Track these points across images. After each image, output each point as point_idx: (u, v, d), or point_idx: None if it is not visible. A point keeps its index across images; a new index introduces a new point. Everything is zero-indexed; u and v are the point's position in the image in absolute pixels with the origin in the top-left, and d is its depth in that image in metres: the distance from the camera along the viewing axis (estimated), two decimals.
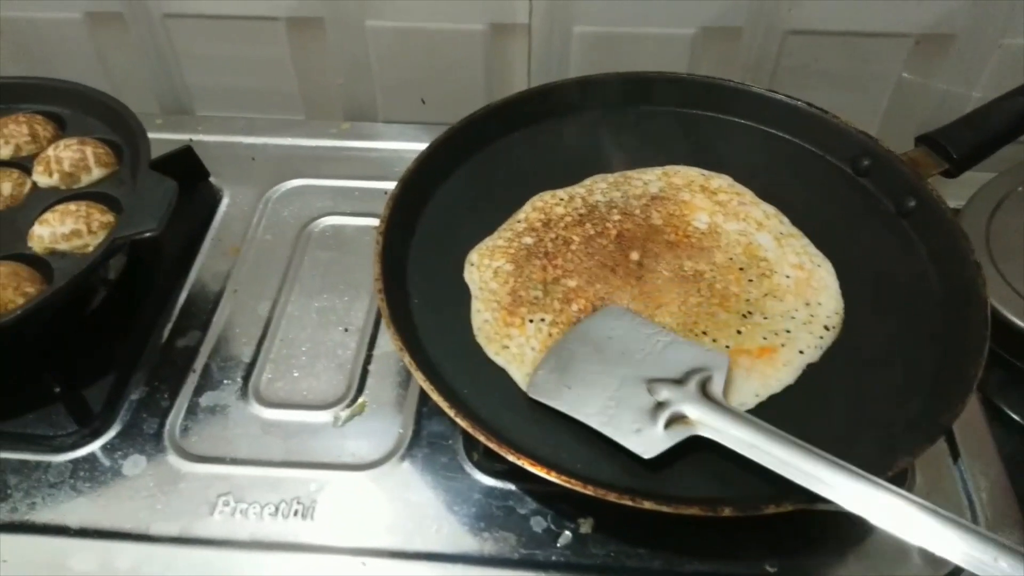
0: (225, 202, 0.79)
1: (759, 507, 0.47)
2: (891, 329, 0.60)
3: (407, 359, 0.54)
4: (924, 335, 0.58)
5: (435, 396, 0.52)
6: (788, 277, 0.62)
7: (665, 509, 0.47)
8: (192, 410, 0.62)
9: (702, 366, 0.54)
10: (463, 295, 0.62)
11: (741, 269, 0.63)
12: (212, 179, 0.80)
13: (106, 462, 0.60)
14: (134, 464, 0.60)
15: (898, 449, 0.50)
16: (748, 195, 0.68)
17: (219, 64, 0.92)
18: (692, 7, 0.82)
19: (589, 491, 0.48)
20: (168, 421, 0.62)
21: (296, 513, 0.56)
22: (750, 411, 0.55)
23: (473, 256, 0.65)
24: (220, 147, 0.84)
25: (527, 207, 0.68)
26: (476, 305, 0.61)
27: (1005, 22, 0.80)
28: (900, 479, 0.57)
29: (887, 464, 0.49)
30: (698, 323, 0.59)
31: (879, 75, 0.86)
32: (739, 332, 0.59)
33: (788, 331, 0.59)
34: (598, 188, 0.69)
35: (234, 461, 0.59)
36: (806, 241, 0.65)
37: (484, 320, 0.60)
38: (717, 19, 0.83)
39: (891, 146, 0.68)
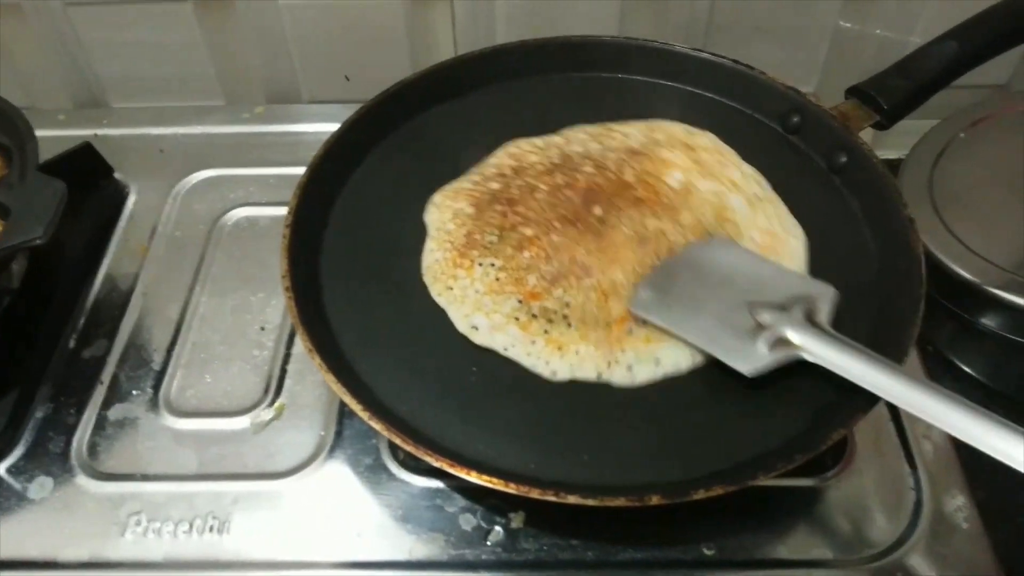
0: (132, 199, 0.75)
1: (688, 493, 0.45)
2: None
3: (318, 361, 0.51)
4: (860, 296, 0.56)
5: (348, 400, 0.49)
6: (753, 240, 0.60)
7: (591, 502, 0.45)
8: (100, 425, 0.59)
9: (807, 294, 0.53)
10: (386, 280, 0.59)
11: (707, 231, 0.61)
12: (117, 175, 0.76)
13: (11, 486, 0.56)
14: (40, 486, 0.56)
15: (833, 420, 0.48)
16: (730, 155, 0.66)
17: (129, 52, 0.87)
18: None
19: (512, 489, 0.46)
20: (75, 438, 0.59)
21: (211, 529, 0.53)
22: (680, 377, 0.53)
23: (436, 197, 0.63)
24: (127, 140, 0.80)
25: (500, 152, 0.66)
26: (430, 244, 0.61)
27: None
28: (839, 448, 0.55)
29: (820, 438, 0.47)
30: None
31: (815, 26, 0.84)
32: None
33: None
34: (576, 138, 0.67)
35: (145, 477, 0.56)
36: (783, 209, 0.62)
37: (435, 259, 0.60)
38: None
39: (831, 98, 0.66)
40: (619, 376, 0.53)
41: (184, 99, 0.89)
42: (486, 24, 0.83)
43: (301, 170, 0.62)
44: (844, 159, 0.63)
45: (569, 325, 0.55)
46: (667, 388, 0.53)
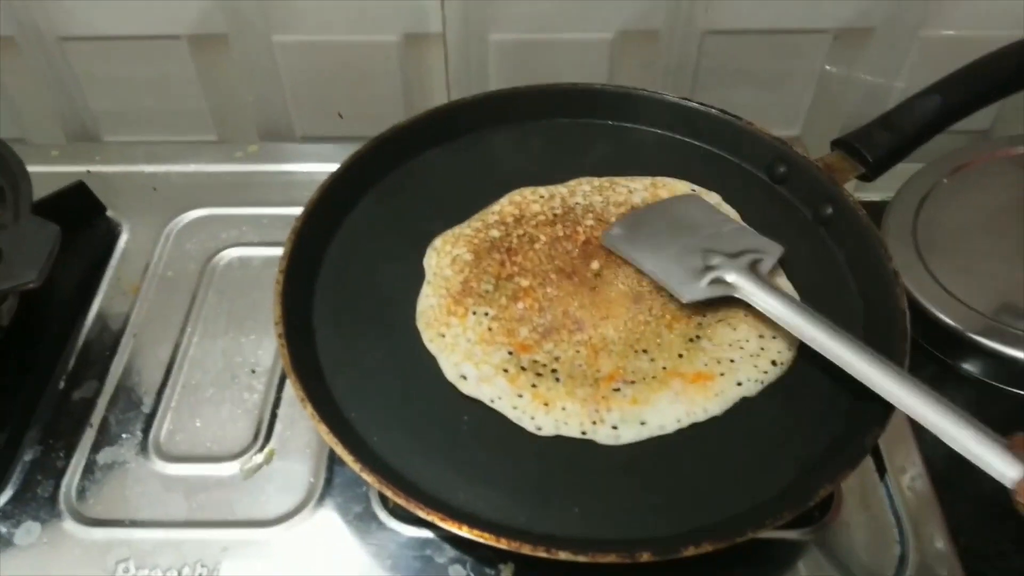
0: (124, 238, 0.74)
1: (678, 549, 0.46)
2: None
3: (310, 410, 0.51)
4: None
5: (340, 450, 0.49)
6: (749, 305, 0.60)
7: (581, 559, 0.45)
8: (89, 469, 0.59)
9: (757, 249, 0.60)
10: (379, 325, 0.59)
11: None
12: (110, 213, 0.76)
13: None
14: (27, 532, 0.56)
15: (821, 476, 0.49)
16: (734, 216, 0.66)
17: (123, 87, 0.88)
18: (608, 10, 0.80)
19: (503, 544, 0.46)
20: (64, 482, 0.58)
21: None
22: (666, 436, 0.53)
23: (437, 241, 0.63)
24: (119, 177, 0.79)
25: (504, 200, 0.67)
26: (426, 290, 0.60)
27: (922, 14, 0.80)
28: (826, 501, 0.56)
29: (808, 494, 0.47)
30: (640, 341, 0.57)
31: (801, 71, 0.86)
32: (680, 356, 0.57)
33: (732, 361, 0.56)
34: (581, 190, 0.68)
35: (133, 523, 0.56)
36: (779, 272, 0.62)
37: (429, 304, 0.59)
38: (634, 22, 0.81)
39: (819, 141, 0.67)
40: (603, 435, 0.53)
41: (177, 134, 0.90)
42: (478, 64, 0.84)
43: (294, 210, 0.62)
44: (830, 210, 0.63)
45: (557, 380, 0.55)
46: (655, 446, 0.53)
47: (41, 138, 0.92)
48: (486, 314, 0.59)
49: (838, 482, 0.49)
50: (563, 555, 0.45)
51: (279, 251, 0.60)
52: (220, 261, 0.72)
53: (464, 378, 0.56)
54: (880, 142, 0.64)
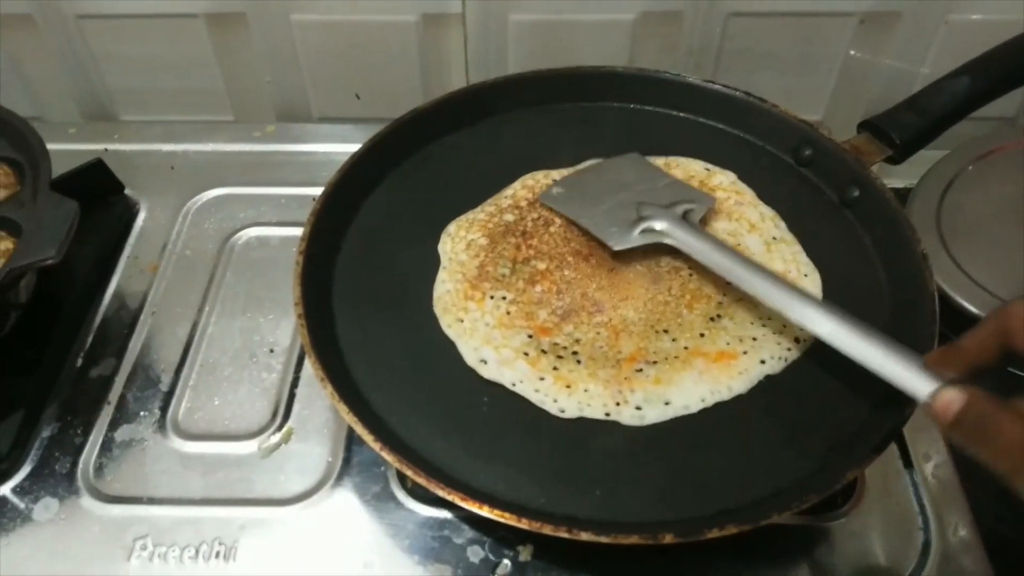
0: (142, 216, 0.74)
1: (701, 531, 0.45)
2: None
3: (329, 390, 0.51)
4: None
5: (360, 430, 0.49)
6: None
7: (603, 540, 0.45)
8: (107, 446, 0.59)
9: (689, 199, 0.62)
10: (398, 309, 0.59)
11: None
12: (128, 191, 0.75)
13: (16, 507, 0.56)
14: (45, 508, 0.56)
15: (847, 460, 0.48)
16: (748, 195, 0.65)
17: (140, 65, 0.87)
18: None
19: (524, 524, 0.46)
20: (82, 459, 0.58)
21: (218, 555, 0.53)
22: (690, 416, 0.53)
23: (451, 227, 0.63)
24: (137, 156, 0.79)
25: (517, 184, 0.66)
26: (442, 275, 0.60)
27: None
28: (849, 487, 0.55)
29: (833, 478, 0.47)
30: (661, 320, 0.57)
31: (825, 55, 0.85)
32: (702, 335, 0.56)
33: (754, 339, 0.56)
34: None
35: (151, 501, 0.56)
36: (798, 248, 0.62)
37: (446, 290, 0.59)
38: (656, 3, 0.80)
39: (841, 126, 0.66)
40: (628, 416, 0.52)
41: (194, 114, 0.89)
42: (497, 47, 0.83)
43: (312, 190, 0.63)
44: (856, 193, 0.62)
45: (578, 362, 0.55)
46: (679, 426, 0.52)
47: (58, 117, 0.91)
48: (504, 298, 0.58)
49: (864, 466, 0.48)
50: (584, 536, 0.45)
51: (297, 231, 0.60)
52: (238, 240, 0.72)
53: (484, 362, 0.55)
54: (908, 124, 0.63)
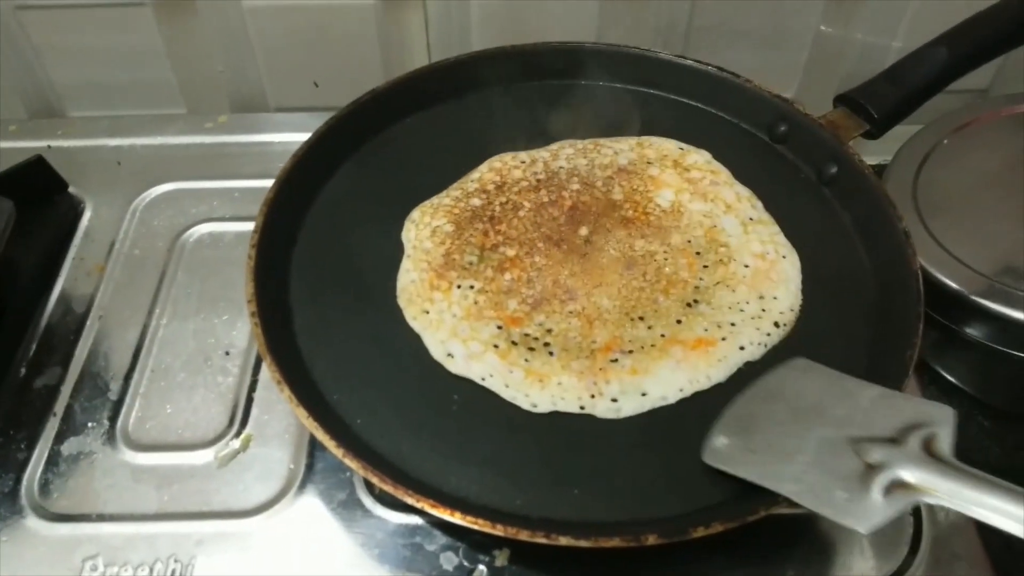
0: (88, 215, 0.71)
1: (686, 531, 0.43)
2: (820, 309, 0.56)
3: (287, 393, 0.48)
4: (854, 314, 0.55)
5: (320, 435, 0.46)
6: (747, 267, 0.57)
7: (584, 544, 0.43)
8: (53, 460, 0.56)
9: (921, 421, 0.44)
10: (360, 302, 0.56)
11: (697, 253, 0.58)
12: (72, 189, 0.72)
13: None
14: None
15: None
16: (724, 174, 0.63)
17: (86, 58, 0.84)
18: None
19: (499, 531, 0.43)
20: (25, 476, 0.55)
21: (174, 573, 0.50)
22: (669, 408, 0.51)
23: (415, 213, 0.61)
24: (82, 152, 0.76)
25: (483, 167, 0.64)
26: (406, 264, 0.58)
27: None
28: None
29: None
30: (636, 308, 0.55)
31: (796, 30, 0.83)
32: (679, 322, 0.54)
33: (733, 324, 0.54)
34: (564, 153, 0.65)
35: (101, 518, 0.53)
36: (776, 229, 0.60)
37: (410, 280, 0.57)
38: None
39: (814, 103, 0.64)
40: (603, 408, 0.50)
41: (144, 107, 0.86)
42: (460, 27, 0.81)
43: (267, 183, 0.60)
44: (834, 170, 0.61)
45: (551, 353, 0.52)
46: (658, 419, 0.51)
47: (3, 115, 0.87)
48: (472, 287, 0.56)
49: None
50: (564, 540, 0.43)
51: (252, 226, 0.57)
52: (190, 238, 0.69)
53: (451, 356, 0.53)
54: (886, 96, 0.61)
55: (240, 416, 0.57)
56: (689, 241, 0.59)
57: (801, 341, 0.54)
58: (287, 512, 0.53)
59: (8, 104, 0.86)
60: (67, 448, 0.56)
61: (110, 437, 0.57)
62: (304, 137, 0.63)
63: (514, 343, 0.53)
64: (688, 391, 0.51)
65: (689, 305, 0.55)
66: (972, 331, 0.64)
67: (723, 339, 0.53)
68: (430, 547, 0.51)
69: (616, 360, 0.52)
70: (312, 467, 0.55)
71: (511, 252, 0.58)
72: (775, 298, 0.56)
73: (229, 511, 0.53)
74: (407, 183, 0.63)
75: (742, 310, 0.55)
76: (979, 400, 0.61)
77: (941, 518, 0.52)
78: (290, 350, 0.53)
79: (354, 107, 0.65)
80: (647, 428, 0.50)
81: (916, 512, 0.52)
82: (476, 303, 0.55)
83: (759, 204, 0.61)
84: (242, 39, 0.81)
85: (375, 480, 0.45)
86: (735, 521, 0.43)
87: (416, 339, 0.54)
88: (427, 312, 0.55)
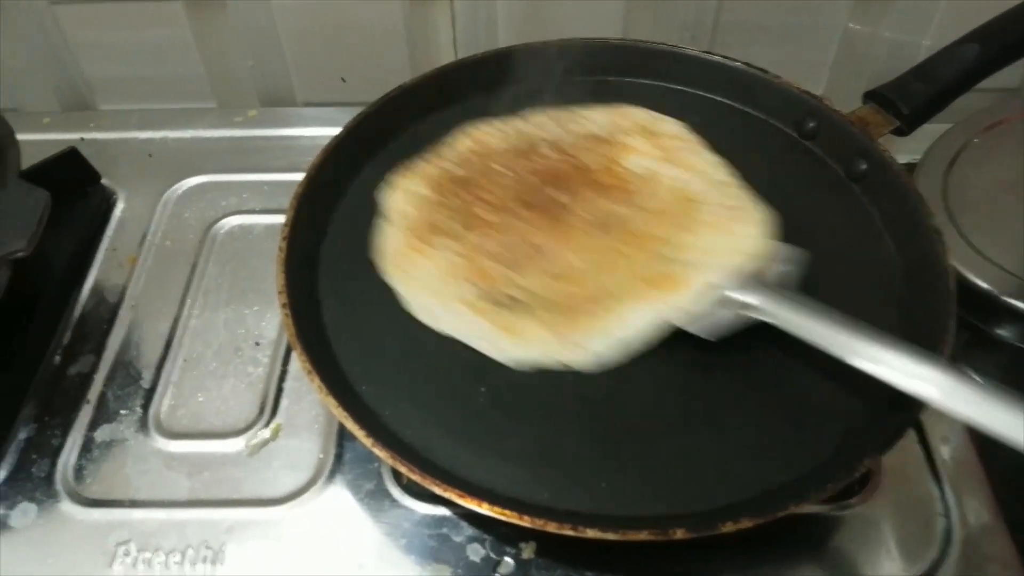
0: (120, 206, 0.72)
1: (715, 526, 0.43)
2: (847, 309, 0.55)
3: (317, 383, 0.48)
4: (884, 311, 0.54)
5: (350, 425, 0.47)
6: (714, 217, 0.58)
7: (611, 537, 0.42)
8: (87, 447, 0.56)
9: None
10: (387, 295, 0.56)
11: (667, 214, 0.59)
12: (104, 181, 0.73)
13: None
14: (23, 513, 0.53)
15: (862, 444, 0.46)
16: (695, 143, 0.64)
17: (118, 52, 0.85)
18: None
19: (526, 522, 0.43)
20: (60, 461, 0.56)
21: (204, 559, 0.51)
22: (698, 401, 0.51)
23: (394, 178, 0.61)
24: (114, 144, 0.77)
25: (460, 135, 0.64)
26: (387, 228, 0.59)
27: None
28: (864, 475, 0.53)
29: (852, 464, 0.45)
30: (609, 264, 0.56)
31: (824, 27, 0.82)
32: (653, 272, 0.55)
33: (707, 263, 0.55)
34: (539, 121, 0.65)
35: (134, 504, 0.53)
36: (749, 193, 0.60)
37: (390, 244, 0.58)
38: None
39: (842, 101, 0.64)
40: (584, 361, 0.52)
41: (174, 101, 0.86)
42: (487, 24, 0.81)
43: (296, 176, 0.60)
44: (864, 166, 0.60)
45: (530, 312, 0.53)
46: (688, 412, 0.51)
47: (34, 108, 0.88)
48: (450, 250, 0.57)
49: (885, 451, 0.46)
50: (591, 533, 0.42)
51: (281, 218, 0.57)
52: (220, 229, 0.70)
53: (435, 316, 0.54)
54: (916, 93, 0.61)
55: (270, 406, 0.58)
56: (661, 205, 0.59)
57: None
58: (316, 501, 0.53)
59: (41, 97, 0.88)
60: (100, 435, 0.57)
61: (142, 424, 0.57)
62: (332, 131, 0.63)
63: (495, 303, 0.54)
64: (668, 327, 0.52)
65: (661, 257, 0.56)
66: (1002, 331, 0.64)
67: (694, 274, 0.54)
68: (457, 538, 0.51)
69: (593, 314, 0.53)
70: (341, 457, 0.55)
71: (491, 218, 0.58)
72: (745, 238, 0.56)
73: (259, 499, 0.53)
74: None
75: (715, 253, 0.55)
76: None
77: (972, 520, 0.51)
78: (320, 341, 0.53)
79: (382, 102, 0.65)
80: (678, 424, 0.50)
81: (946, 511, 0.52)
82: (454, 264, 0.56)
83: (732, 171, 0.62)
84: (271, 34, 0.82)
85: (403, 470, 0.45)
86: (764, 517, 0.43)
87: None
88: (408, 272, 0.56)
